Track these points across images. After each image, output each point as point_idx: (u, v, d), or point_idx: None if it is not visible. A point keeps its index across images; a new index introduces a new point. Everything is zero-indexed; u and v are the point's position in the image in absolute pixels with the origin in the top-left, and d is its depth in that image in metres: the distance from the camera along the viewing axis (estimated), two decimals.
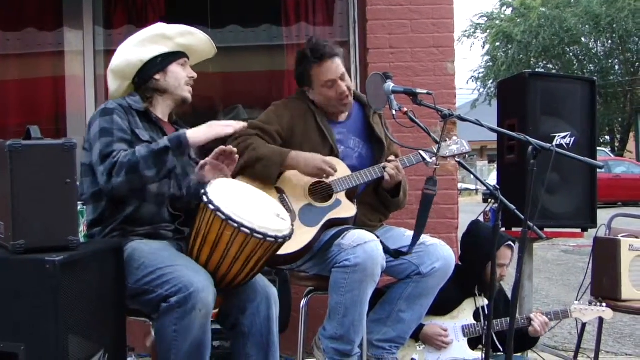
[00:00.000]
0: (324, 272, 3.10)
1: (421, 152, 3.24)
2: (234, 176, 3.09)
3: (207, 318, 2.52)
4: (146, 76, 2.86)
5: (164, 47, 2.87)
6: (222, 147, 2.75)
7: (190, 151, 2.86)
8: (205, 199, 2.54)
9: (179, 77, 2.89)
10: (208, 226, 2.57)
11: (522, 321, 3.53)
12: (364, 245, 2.95)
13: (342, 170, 3.23)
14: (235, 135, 3.15)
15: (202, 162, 2.78)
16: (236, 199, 2.62)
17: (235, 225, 2.49)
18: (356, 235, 3.01)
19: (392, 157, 3.29)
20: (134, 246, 2.67)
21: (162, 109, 2.93)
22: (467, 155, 3.35)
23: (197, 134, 2.68)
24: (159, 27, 2.90)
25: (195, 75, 2.96)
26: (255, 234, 2.51)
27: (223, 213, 2.50)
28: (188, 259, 2.63)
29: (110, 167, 2.59)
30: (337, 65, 3.28)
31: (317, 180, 3.20)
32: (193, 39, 2.95)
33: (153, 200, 2.76)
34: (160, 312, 2.52)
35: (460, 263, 3.62)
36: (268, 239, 2.54)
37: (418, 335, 3.43)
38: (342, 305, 2.98)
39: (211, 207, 2.52)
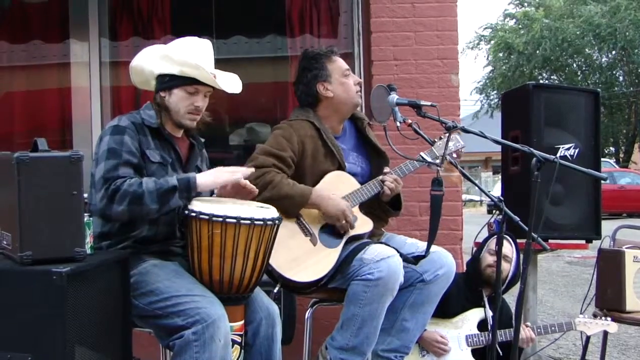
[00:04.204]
0: (342, 286, 3.10)
1: (422, 154, 3.24)
2: None
3: (227, 349, 2.51)
4: (156, 89, 2.83)
5: (171, 69, 2.77)
6: (244, 182, 2.74)
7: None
8: (186, 212, 2.62)
9: (179, 104, 2.78)
10: (198, 234, 2.60)
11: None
12: (387, 260, 2.97)
13: (351, 184, 3.24)
14: (252, 164, 3.09)
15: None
16: (216, 204, 2.66)
17: (220, 219, 2.55)
18: (378, 250, 3.03)
19: (387, 169, 3.28)
20: (148, 268, 2.67)
21: (170, 125, 2.86)
22: (462, 149, 3.38)
23: (206, 181, 2.66)
24: (167, 48, 2.81)
25: (201, 104, 2.82)
26: (242, 221, 2.57)
27: (205, 214, 2.57)
28: (202, 287, 2.61)
29: (112, 193, 2.54)
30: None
31: None
32: (197, 73, 2.75)
33: (166, 222, 2.76)
34: (175, 351, 2.50)
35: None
36: (256, 222, 2.59)
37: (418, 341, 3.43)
38: (358, 317, 2.99)
39: (193, 214, 2.59)
